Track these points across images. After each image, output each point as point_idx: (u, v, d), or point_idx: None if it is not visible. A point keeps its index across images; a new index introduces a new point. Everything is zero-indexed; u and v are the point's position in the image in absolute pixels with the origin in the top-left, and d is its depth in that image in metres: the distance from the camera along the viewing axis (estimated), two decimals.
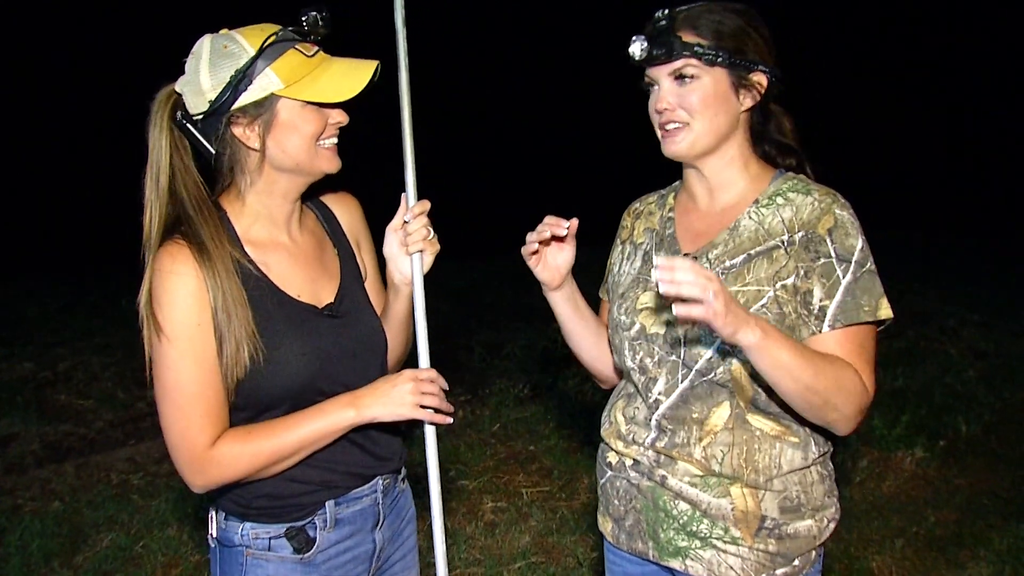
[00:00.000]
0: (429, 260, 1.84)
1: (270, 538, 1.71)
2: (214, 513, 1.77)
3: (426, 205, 1.83)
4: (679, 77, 1.69)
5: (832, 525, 1.76)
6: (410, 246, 1.80)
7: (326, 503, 1.73)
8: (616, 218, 2.08)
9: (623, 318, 1.84)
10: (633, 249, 1.94)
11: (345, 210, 1.94)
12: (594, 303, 2.06)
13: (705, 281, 1.43)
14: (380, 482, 1.83)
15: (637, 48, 1.69)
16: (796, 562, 1.71)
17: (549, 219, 1.76)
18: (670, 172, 1.94)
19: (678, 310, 1.44)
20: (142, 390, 5.90)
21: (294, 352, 1.66)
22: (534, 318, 7.24)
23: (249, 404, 1.66)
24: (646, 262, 1.87)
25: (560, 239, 1.80)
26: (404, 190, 1.85)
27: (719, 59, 1.66)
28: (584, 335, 1.97)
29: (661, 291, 1.44)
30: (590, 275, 2.10)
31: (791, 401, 1.60)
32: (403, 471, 1.92)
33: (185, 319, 1.57)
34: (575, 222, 1.78)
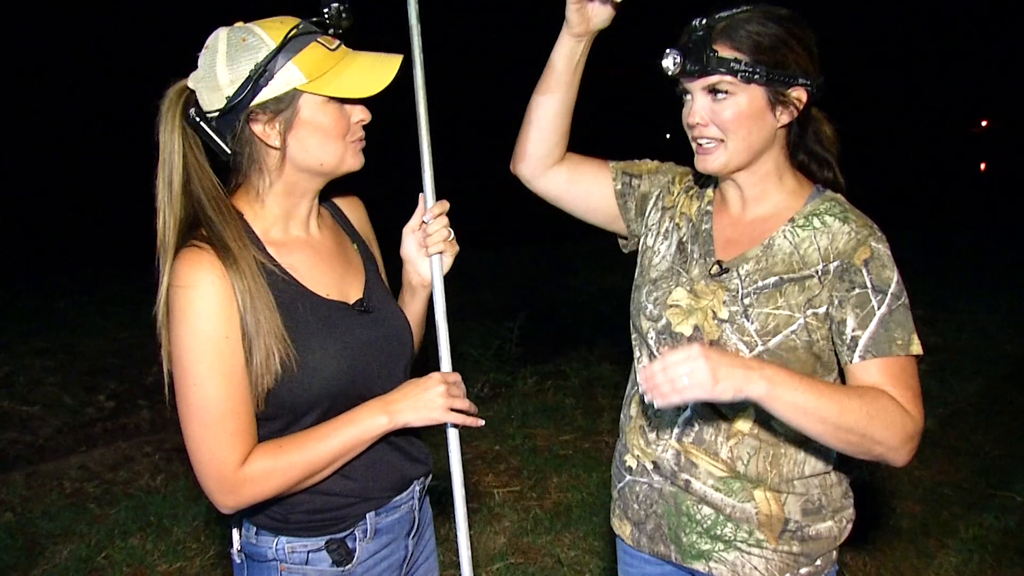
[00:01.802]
0: (449, 261, 1.81)
1: (308, 551, 1.64)
2: (240, 528, 1.69)
3: (445, 206, 1.79)
4: (713, 92, 1.63)
5: (850, 526, 1.77)
6: (430, 247, 1.77)
7: (367, 514, 1.68)
8: None
9: (652, 308, 1.80)
10: (673, 228, 1.87)
11: (353, 210, 1.89)
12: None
13: (677, 368, 1.43)
14: (416, 487, 1.79)
15: (670, 62, 1.61)
16: (818, 562, 1.72)
17: None
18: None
19: (659, 404, 1.46)
20: (89, 395, 5.71)
21: (331, 354, 1.59)
22: (486, 316, 7.23)
23: (284, 412, 1.58)
24: (681, 251, 1.82)
25: None
26: (421, 190, 1.80)
27: (756, 76, 1.58)
28: (558, 97, 1.84)
29: (657, 405, 1.48)
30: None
31: (830, 445, 1.55)
32: (431, 475, 1.87)
33: (212, 332, 1.47)
34: None
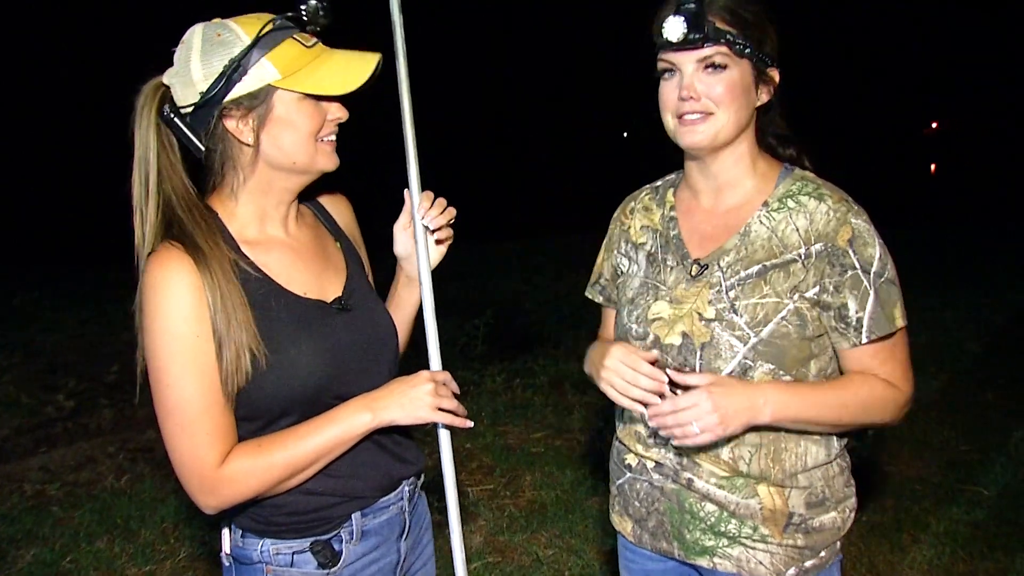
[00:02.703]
0: (442, 250, 1.80)
1: (293, 553, 1.60)
2: (227, 530, 1.65)
3: (431, 196, 1.76)
4: (708, 65, 1.62)
5: (852, 515, 1.77)
6: (437, 235, 1.76)
7: (352, 515, 1.64)
8: (586, 210, 2.03)
9: (635, 326, 1.78)
10: (634, 249, 1.88)
11: (339, 209, 1.85)
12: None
13: (686, 415, 1.55)
14: (406, 488, 1.75)
15: (677, 29, 1.58)
16: (823, 553, 1.72)
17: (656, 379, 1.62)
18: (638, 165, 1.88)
19: (677, 443, 1.60)
20: (48, 394, 5.57)
21: (307, 353, 1.55)
22: (450, 313, 7.18)
23: (259, 413, 1.54)
24: (652, 263, 1.82)
25: None
26: (406, 186, 1.77)
27: (747, 50, 1.61)
28: None
29: (662, 433, 1.62)
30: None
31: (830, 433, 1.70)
32: (423, 476, 1.83)
33: (184, 332, 1.44)
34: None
